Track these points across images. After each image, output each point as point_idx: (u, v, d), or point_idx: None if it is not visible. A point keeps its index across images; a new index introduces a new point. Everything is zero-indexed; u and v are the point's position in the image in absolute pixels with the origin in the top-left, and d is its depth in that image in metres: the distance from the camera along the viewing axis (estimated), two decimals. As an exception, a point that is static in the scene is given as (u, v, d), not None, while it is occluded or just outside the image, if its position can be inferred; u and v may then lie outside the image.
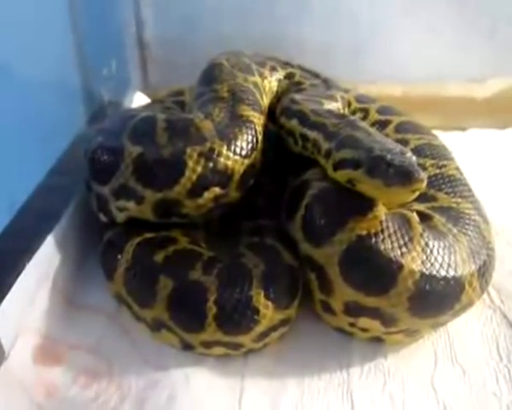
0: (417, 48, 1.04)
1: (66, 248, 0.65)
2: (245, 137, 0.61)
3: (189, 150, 0.57)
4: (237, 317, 0.55)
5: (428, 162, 0.71)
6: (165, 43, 1.03)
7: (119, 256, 0.60)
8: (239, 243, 0.64)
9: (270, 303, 0.55)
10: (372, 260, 0.54)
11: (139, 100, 0.99)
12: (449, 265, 0.55)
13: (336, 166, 0.59)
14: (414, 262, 0.54)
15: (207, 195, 0.59)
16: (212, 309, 0.54)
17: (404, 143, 0.75)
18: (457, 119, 1.06)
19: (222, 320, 0.55)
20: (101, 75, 0.82)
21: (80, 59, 0.77)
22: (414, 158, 0.54)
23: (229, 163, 0.59)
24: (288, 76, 0.84)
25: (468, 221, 0.62)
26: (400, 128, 0.80)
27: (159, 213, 0.60)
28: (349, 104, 0.86)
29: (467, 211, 0.64)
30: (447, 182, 0.68)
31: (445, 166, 0.71)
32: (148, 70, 1.04)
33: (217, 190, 0.59)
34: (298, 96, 0.73)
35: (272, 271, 0.58)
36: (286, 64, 0.86)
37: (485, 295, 0.65)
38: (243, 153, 0.60)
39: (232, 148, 0.59)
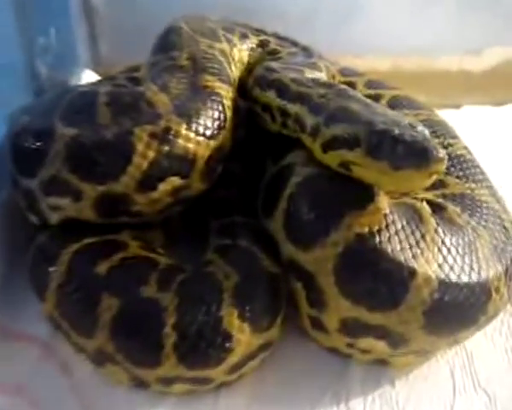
0: (408, 17, 0.93)
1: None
2: (210, 112, 0.50)
3: (137, 130, 0.46)
4: (204, 345, 0.42)
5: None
6: (118, 9, 0.88)
7: (52, 268, 0.47)
8: (206, 246, 0.52)
9: (246, 325, 0.43)
10: (376, 265, 0.42)
11: (88, 79, 0.85)
12: (471, 267, 0.44)
13: (326, 146, 0.47)
14: (429, 266, 0.43)
15: (163, 187, 0.47)
16: (170, 336, 0.42)
17: None
18: (451, 95, 0.96)
19: (184, 351, 0.42)
20: (35, 45, 0.67)
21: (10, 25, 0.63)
22: (427, 132, 0.43)
23: (191, 146, 0.47)
24: (262, 44, 0.71)
25: (486, 211, 0.52)
26: (394, 103, 0.69)
27: (102, 212, 0.48)
28: (333, 78, 0.75)
29: (483, 198, 0.53)
30: (457, 164, 0.57)
31: (451, 145, 0.60)
32: (99, 43, 0.90)
33: (175, 180, 0.48)
34: (275, 64, 0.60)
35: (248, 282, 0.46)
36: (258, 31, 0.74)
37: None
38: (208, 133, 0.49)
39: (194, 126, 0.48)
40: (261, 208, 0.52)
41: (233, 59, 0.64)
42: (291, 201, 0.46)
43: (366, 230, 0.43)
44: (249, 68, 0.69)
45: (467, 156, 0.58)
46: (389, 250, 0.42)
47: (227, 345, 0.42)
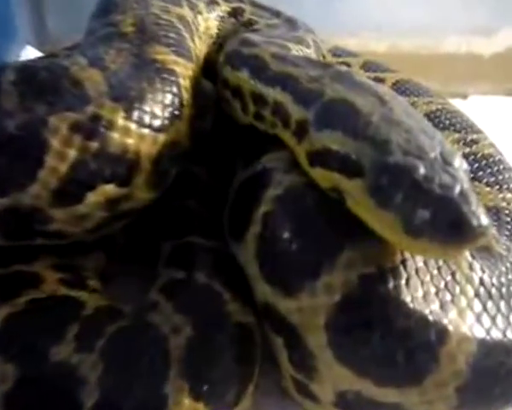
0: None
1: None
2: (159, 96, 0.38)
3: (53, 119, 0.34)
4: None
5: (451, 137, 0.50)
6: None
7: None
8: (153, 282, 0.38)
9: (201, 406, 0.30)
10: (389, 321, 0.30)
11: (29, 56, 0.72)
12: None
13: (314, 159, 0.34)
14: (465, 321, 0.30)
15: (93, 198, 0.35)
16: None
17: None
18: (457, 82, 0.88)
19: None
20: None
21: None
22: (466, 174, 0.30)
23: (131, 141, 0.36)
24: (235, 13, 0.59)
25: None
26: (399, 89, 0.61)
27: (6, 233, 0.36)
28: (323, 58, 0.64)
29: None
30: (485, 166, 0.45)
31: (475, 142, 0.49)
32: (46, 17, 0.78)
33: (110, 189, 0.36)
34: (253, 36, 0.46)
35: (205, 339, 0.33)
36: None
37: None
38: (156, 123, 0.37)
39: (135, 114, 0.36)
40: (227, 228, 0.38)
41: (197, 29, 0.52)
42: (267, 222, 0.33)
43: (374, 269, 0.30)
44: (218, 43, 0.57)
45: (497, 157, 0.47)
46: (408, 300, 0.30)
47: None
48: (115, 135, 0.35)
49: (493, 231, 0.37)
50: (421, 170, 0.29)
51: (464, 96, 0.87)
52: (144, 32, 0.43)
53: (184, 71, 0.41)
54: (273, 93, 0.39)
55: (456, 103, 0.84)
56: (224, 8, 0.58)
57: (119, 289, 0.40)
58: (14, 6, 0.73)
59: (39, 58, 0.61)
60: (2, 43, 0.70)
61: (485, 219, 0.27)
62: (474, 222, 0.27)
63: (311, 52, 0.50)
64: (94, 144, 0.34)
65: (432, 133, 0.32)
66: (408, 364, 0.29)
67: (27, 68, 0.38)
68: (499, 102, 0.86)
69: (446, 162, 0.30)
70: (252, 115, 0.41)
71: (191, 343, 0.32)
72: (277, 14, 0.61)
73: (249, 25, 0.57)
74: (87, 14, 0.65)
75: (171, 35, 0.44)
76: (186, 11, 0.51)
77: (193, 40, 0.48)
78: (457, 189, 0.28)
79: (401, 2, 0.85)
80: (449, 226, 0.27)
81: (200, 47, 0.51)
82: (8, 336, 0.32)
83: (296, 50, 0.47)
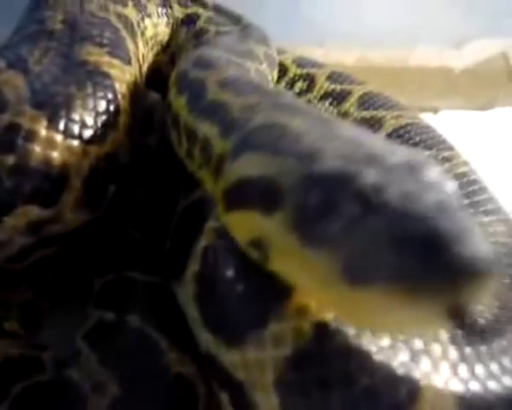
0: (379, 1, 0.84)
1: None
2: (91, 102, 0.35)
3: None
4: None
5: None
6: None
7: None
8: (81, 323, 0.33)
9: None
10: (353, 379, 0.25)
11: None
12: (504, 368, 0.27)
13: (229, 199, 0.27)
14: (440, 373, 0.26)
15: (12, 221, 0.32)
16: None
17: (377, 123, 0.56)
18: (427, 96, 0.85)
19: None
20: None
21: None
22: (453, 189, 0.21)
23: (56, 155, 0.32)
24: (188, 20, 0.55)
25: (509, 260, 0.36)
26: (366, 102, 0.58)
27: None
28: (285, 70, 0.62)
29: (501, 240, 0.38)
30: (460, 187, 0.40)
31: (448, 159, 0.46)
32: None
33: (31, 210, 0.32)
34: (211, 53, 0.41)
35: (135, 400, 0.28)
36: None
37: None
38: (87, 134, 0.34)
39: (61, 123, 0.33)
40: (167, 264, 0.33)
41: (142, 33, 0.48)
42: (206, 259, 0.28)
43: (331, 315, 0.25)
44: (170, 53, 0.53)
45: (471, 176, 0.43)
46: (372, 350, 0.25)
47: None
48: (36, 147, 0.32)
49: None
50: (369, 177, 0.21)
51: (435, 111, 0.85)
52: (75, 29, 0.40)
53: (121, 74, 0.37)
54: (203, 127, 0.33)
55: (427, 118, 0.83)
56: (176, 15, 0.54)
57: (44, 333, 0.35)
58: None
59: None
60: None
61: (483, 250, 0.18)
62: (465, 251, 0.18)
63: (262, 68, 0.46)
64: (10, 158, 0.31)
65: (392, 145, 0.24)
66: None
67: None
68: (469, 116, 0.84)
69: (414, 171, 0.22)
70: (184, 151, 0.35)
71: (116, 405, 0.27)
72: (238, 19, 0.57)
73: (200, 35, 0.53)
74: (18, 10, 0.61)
75: (107, 34, 0.40)
76: (130, 11, 0.47)
77: (135, 42, 0.44)
78: (430, 198, 0.20)
79: (371, 11, 0.83)
80: (420, 263, 0.18)
81: (144, 52, 0.47)
82: None
83: (249, 66, 0.43)
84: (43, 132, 0.32)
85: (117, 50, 0.39)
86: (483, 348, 0.28)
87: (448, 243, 0.18)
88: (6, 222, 0.31)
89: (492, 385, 0.27)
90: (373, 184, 0.20)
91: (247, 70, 0.41)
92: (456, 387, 0.26)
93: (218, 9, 0.58)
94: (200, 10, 0.56)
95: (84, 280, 0.38)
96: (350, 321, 0.25)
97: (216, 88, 0.35)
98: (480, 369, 0.27)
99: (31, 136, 0.32)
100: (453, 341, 0.27)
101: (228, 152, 0.28)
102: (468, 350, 0.27)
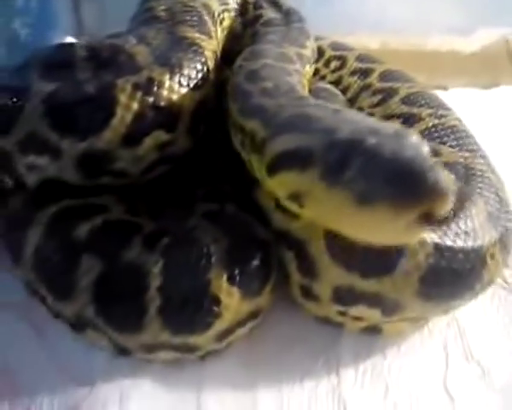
0: None
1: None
2: (192, 63, 0.48)
3: (120, 82, 0.44)
4: (190, 309, 0.40)
5: (425, 112, 0.59)
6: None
7: (29, 231, 0.44)
8: (192, 214, 0.49)
9: (235, 290, 0.41)
10: None
11: None
12: (466, 233, 0.43)
13: (271, 168, 0.38)
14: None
15: (149, 141, 0.45)
16: (154, 300, 0.40)
17: (393, 92, 0.65)
18: (439, 76, 0.94)
19: (169, 315, 0.40)
20: (15, 5, 0.64)
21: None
22: (426, 148, 0.32)
23: (175, 97, 0.45)
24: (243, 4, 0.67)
25: (480, 179, 0.50)
26: (386, 77, 0.68)
27: (84, 172, 0.45)
28: (323, 53, 0.74)
29: (478, 167, 0.51)
30: (450, 134, 0.55)
31: (444, 116, 0.58)
32: (83, 11, 0.87)
33: (161, 134, 0.45)
34: (259, 62, 0.50)
35: (238, 246, 0.43)
36: None
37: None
38: (192, 84, 0.47)
39: (177, 77, 0.46)
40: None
41: (221, 22, 0.62)
42: None
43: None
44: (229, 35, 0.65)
45: (460, 127, 0.57)
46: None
47: (215, 310, 0.40)
48: (164, 92, 0.45)
49: (451, 176, 0.48)
50: (372, 139, 0.30)
51: (445, 88, 0.91)
52: (174, 15, 0.53)
53: (207, 45, 0.50)
54: (249, 123, 0.43)
55: (438, 94, 0.94)
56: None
57: (163, 223, 0.51)
58: (55, 2, 0.84)
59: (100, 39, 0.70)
60: (48, 35, 0.81)
61: (445, 181, 0.27)
62: (433, 178, 0.27)
63: (297, 67, 0.53)
64: (149, 99, 0.44)
65: (386, 125, 0.34)
66: (385, 258, 0.40)
67: (94, 48, 0.48)
68: (476, 93, 0.92)
69: (401, 137, 0.31)
70: (239, 143, 0.46)
71: (227, 249, 0.42)
72: (275, 2, 0.68)
73: (250, 24, 0.65)
74: (117, 13, 0.76)
75: (195, 18, 0.53)
76: (214, 3, 0.60)
77: (215, 26, 0.57)
78: (412, 153, 0.29)
79: (391, 5, 0.92)
80: (403, 185, 0.28)
81: (221, 36, 0.60)
82: (92, 243, 0.43)
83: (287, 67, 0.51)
84: (167, 82, 0.44)
85: (202, 29, 0.52)
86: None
87: (421, 175, 0.28)
88: (145, 142, 0.45)
89: (460, 242, 0.42)
90: (372, 144, 0.30)
91: (286, 72, 0.49)
92: (435, 239, 0.41)
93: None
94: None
95: (187, 190, 0.53)
96: (359, 237, 0.35)
97: (258, 95, 0.44)
98: (454, 225, 0.42)
99: (160, 85, 0.44)
100: None
101: (268, 136, 0.38)
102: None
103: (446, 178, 0.28)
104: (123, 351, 0.43)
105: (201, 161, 0.54)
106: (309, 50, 0.58)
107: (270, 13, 0.66)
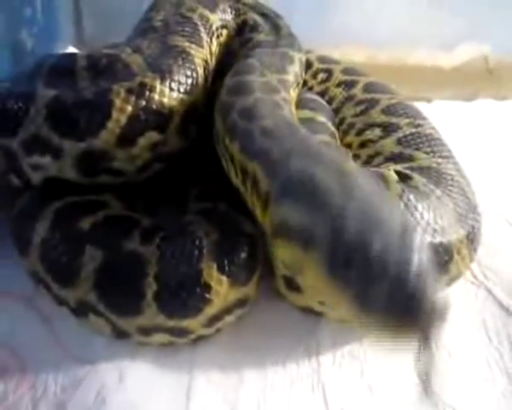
0: (383, 9, 0.97)
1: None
2: (181, 69, 0.52)
3: (115, 87, 0.48)
4: (184, 295, 0.44)
5: (403, 121, 0.64)
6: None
7: (36, 225, 0.48)
8: (185, 211, 0.54)
9: (224, 278, 0.45)
10: None
11: None
12: (434, 230, 0.47)
13: (274, 232, 0.37)
14: None
15: (143, 141, 0.49)
16: (151, 286, 0.44)
17: (375, 102, 0.69)
18: (423, 89, 0.99)
19: (164, 300, 0.44)
20: (22, 16, 0.68)
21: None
22: (427, 254, 0.31)
23: (166, 100, 0.50)
24: (242, 25, 0.70)
25: (451, 183, 0.54)
26: (369, 88, 0.73)
27: (83, 170, 0.49)
28: (310, 65, 0.79)
29: (449, 172, 0.56)
30: (425, 141, 0.60)
31: (421, 125, 0.63)
32: (84, 22, 0.91)
33: (153, 134, 0.50)
34: (253, 96, 0.49)
35: (227, 240, 0.47)
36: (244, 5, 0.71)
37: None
38: (181, 88, 0.51)
39: (167, 82, 0.50)
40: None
41: (218, 36, 0.65)
42: None
43: None
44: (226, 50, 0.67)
45: (435, 135, 0.62)
46: None
47: (206, 296, 0.44)
48: (155, 96, 0.49)
49: (423, 179, 0.52)
50: (377, 245, 0.29)
51: (429, 100, 0.97)
52: (168, 26, 0.58)
53: (197, 53, 0.55)
54: (251, 165, 0.43)
55: (422, 106, 0.96)
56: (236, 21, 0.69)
57: (159, 219, 0.55)
58: (58, 14, 0.88)
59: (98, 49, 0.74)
60: (50, 46, 0.85)
61: (441, 303, 0.28)
62: (429, 306, 0.28)
63: (284, 96, 0.52)
64: (142, 102, 0.48)
65: (391, 206, 0.33)
66: None
67: (93, 58, 0.52)
68: (457, 106, 0.97)
69: (405, 238, 0.30)
70: (240, 181, 0.46)
71: (217, 241, 0.46)
72: (264, 14, 0.70)
73: (245, 43, 0.66)
74: (117, 24, 0.80)
75: (187, 29, 0.58)
76: (214, 17, 0.64)
77: (209, 37, 0.61)
78: (416, 270, 0.29)
79: (377, 21, 0.95)
80: (401, 307, 0.28)
81: (216, 50, 0.63)
82: (95, 234, 0.46)
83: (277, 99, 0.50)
84: (158, 86, 0.49)
85: (193, 39, 0.56)
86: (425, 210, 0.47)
87: (421, 302, 0.28)
88: (139, 142, 0.48)
89: (428, 237, 0.47)
90: (377, 251, 0.29)
91: (278, 105, 0.49)
92: None
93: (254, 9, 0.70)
94: (247, 16, 0.69)
95: (181, 190, 0.57)
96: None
97: (259, 136, 0.43)
98: (423, 222, 0.46)
99: (152, 89, 0.48)
100: (407, 207, 0.46)
101: (272, 194, 0.37)
102: (417, 214, 0.47)
103: (444, 295, 0.30)
104: (122, 334, 0.46)
105: (195, 162, 0.58)
106: (290, 75, 0.57)
107: (261, 36, 0.66)
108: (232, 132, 0.47)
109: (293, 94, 0.58)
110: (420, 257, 0.30)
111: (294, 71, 0.58)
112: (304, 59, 0.63)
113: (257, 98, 0.48)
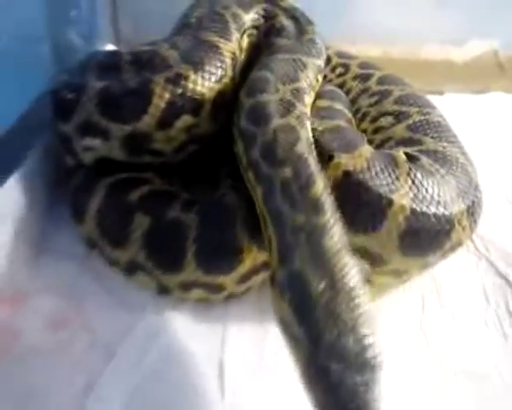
0: (396, 7, 1.00)
1: (32, 192, 0.60)
2: (211, 61, 0.57)
3: (155, 78, 0.54)
4: (219, 255, 0.51)
5: (413, 110, 0.69)
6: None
7: (91, 197, 0.56)
8: (218, 187, 0.60)
9: (254, 243, 0.52)
10: (360, 195, 0.51)
11: None
12: (438, 202, 0.53)
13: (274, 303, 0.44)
14: (403, 198, 0.51)
15: (179, 124, 0.56)
16: (191, 247, 0.51)
17: (388, 94, 0.74)
18: (435, 82, 1.02)
19: (202, 258, 0.51)
20: (68, 17, 0.76)
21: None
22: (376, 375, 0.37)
23: (198, 88, 0.55)
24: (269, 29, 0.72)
25: (455, 164, 0.60)
26: (383, 81, 0.78)
27: (129, 151, 0.56)
28: (329, 60, 0.84)
29: (453, 154, 0.62)
30: (433, 127, 0.66)
31: (429, 113, 0.69)
32: (120, 22, 0.98)
33: (188, 118, 0.56)
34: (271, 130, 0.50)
35: (255, 211, 0.54)
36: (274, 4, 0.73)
37: (469, 243, 0.64)
38: (212, 78, 0.56)
39: (199, 72, 0.55)
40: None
41: (249, 35, 0.69)
42: None
43: (352, 168, 0.51)
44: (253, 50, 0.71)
45: (442, 122, 0.67)
46: (371, 184, 0.51)
47: (238, 256, 0.52)
48: (190, 84, 0.54)
49: (430, 160, 0.58)
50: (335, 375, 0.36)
51: (441, 93, 1.02)
52: (201, 23, 0.64)
53: (224, 46, 0.60)
54: (269, 226, 0.47)
55: (434, 98, 1.00)
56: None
57: (195, 193, 0.61)
58: (98, 14, 0.96)
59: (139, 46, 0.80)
60: (91, 43, 0.93)
61: None
62: None
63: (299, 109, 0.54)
64: (178, 90, 0.54)
65: (364, 332, 0.38)
66: (371, 217, 0.50)
67: (136, 53, 0.58)
68: (468, 98, 1.02)
69: (362, 366, 0.36)
70: (262, 222, 0.49)
71: (249, 213, 0.52)
72: (285, 9, 0.72)
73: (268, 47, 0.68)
74: (153, 25, 0.86)
75: (218, 25, 0.63)
76: (248, 17, 0.68)
77: (240, 33, 0.66)
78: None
79: (391, 18, 0.98)
80: None
81: (245, 47, 0.68)
82: (142, 204, 0.54)
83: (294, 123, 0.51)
84: (191, 76, 0.54)
85: (223, 34, 0.61)
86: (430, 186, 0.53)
87: None
88: (176, 124, 0.54)
89: (432, 208, 0.53)
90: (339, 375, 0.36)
91: (296, 134, 0.49)
92: (412, 204, 0.50)
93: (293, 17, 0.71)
94: (275, 21, 0.71)
95: (213, 170, 0.64)
96: None
97: (278, 195, 0.45)
98: (428, 196, 0.52)
99: (186, 78, 0.54)
100: (414, 183, 0.52)
101: (278, 280, 0.42)
102: (423, 189, 0.52)
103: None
104: (164, 290, 0.54)
105: (225, 145, 0.65)
106: (303, 82, 0.59)
107: (283, 42, 0.67)
108: (256, 173, 0.50)
109: (309, 100, 0.60)
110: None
111: (307, 76, 0.60)
112: (319, 63, 0.65)
113: (276, 129, 0.49)
